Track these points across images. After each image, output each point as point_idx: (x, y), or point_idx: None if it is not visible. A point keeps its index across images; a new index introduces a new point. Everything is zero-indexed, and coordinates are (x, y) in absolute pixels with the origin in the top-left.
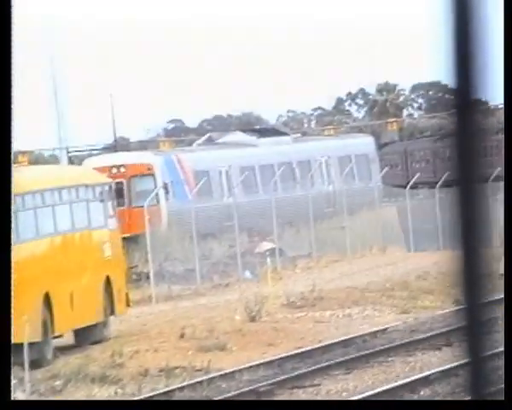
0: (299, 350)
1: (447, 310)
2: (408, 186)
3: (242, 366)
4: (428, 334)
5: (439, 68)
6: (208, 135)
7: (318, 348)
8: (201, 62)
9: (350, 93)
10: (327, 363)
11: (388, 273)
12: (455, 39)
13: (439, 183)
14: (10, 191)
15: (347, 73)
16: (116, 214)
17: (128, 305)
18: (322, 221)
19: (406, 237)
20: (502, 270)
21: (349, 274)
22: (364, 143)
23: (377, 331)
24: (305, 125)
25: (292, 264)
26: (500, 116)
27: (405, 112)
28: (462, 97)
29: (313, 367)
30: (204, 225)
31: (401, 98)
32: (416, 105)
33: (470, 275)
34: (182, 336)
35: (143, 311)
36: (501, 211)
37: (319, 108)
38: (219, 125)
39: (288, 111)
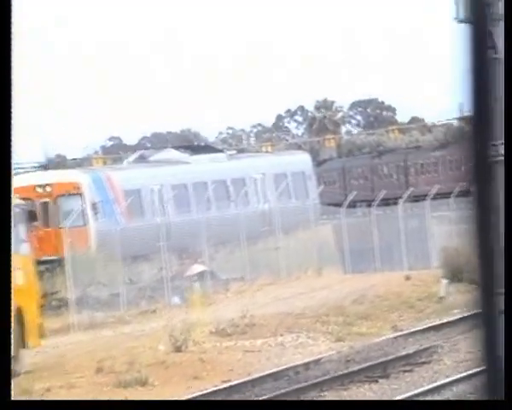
0: (227, 384)
1: (384, 337)
2: (344, 204)
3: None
4: (364, 365)
5: (376, 86)
6: (140, 152)
7: (247, 381)
8: (141, 80)
9: (289, 110)
10: (255, 399)
11: (323, 297)
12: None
13: (376, 201)
14: (10, 192)
15: (287, 90)
16: (29, 238)
17: (42, 337)
18: (257, 241)
19: (343, 257)
20: (442, 293)
21: (283, 298)
22: (301, 160)
23: (310, 362)
24: (245, 142)
25: (224, 288)
26: (437, 133)
27: (344, 129)
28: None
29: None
30: (134, 247)
31: (339, 115)
32: (354, 122)
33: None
34: (99, 370)
35: (62, 341)
36: (438, 228)
37: (259, 124)
38: (158, 143)
39: (228, 128)
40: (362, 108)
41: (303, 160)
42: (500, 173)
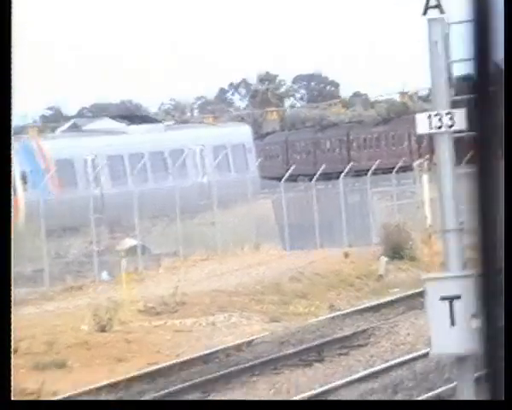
0: (152, 368)
1: (321, 318)
2: (283, 178)
3: (78, 390)
4: (299, 347)
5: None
6: (72, 121)
7: (174, 364)
8: (84, 50)
9: (232, 83)
10: (180, 385)
11: (260, 274)
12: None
13: (316, 175)
14: (10, 192)
15: (231, 63)
16: None
17: None
18: (194, 215)
19: (282, 233)
20: (381, 271)
21: (217, 275)
22: (241, 132)
23: (242, 344)
24: (188, 114)
25: (156, 263)
26: (380, 109)
27: (288, 102)
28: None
29: (163, 391)
30: (65, 219)
31: (282, 89)
32: (298, 96)
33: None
34: (15, 350)
35: None
36: (379, 204)
37: (202, 97)
38: (98, 113)
39: (171, 99)
40: (305, 82)
41: (243, 132)
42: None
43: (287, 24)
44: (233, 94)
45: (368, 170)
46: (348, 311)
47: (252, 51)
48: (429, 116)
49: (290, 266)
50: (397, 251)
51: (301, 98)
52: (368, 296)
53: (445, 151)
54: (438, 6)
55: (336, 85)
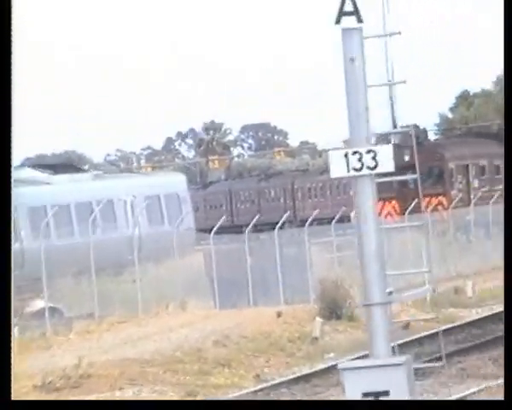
0: None
1: (242, 391)
2: (212, 231)
3: None
4: None
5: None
6: None
7: None
8: (25, 100)
9: (180, 133)
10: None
11: (181, 338)
12: None
13: (249, 226)
14: (10, 192)
15: (179, 113)
16: None
17: None
18: (122, 271)
19: (213, 290)
20: (316, 332)
21: (133, 340)
22: (175, 182)
23: None
24: (135, 164)
25: (67, 327)
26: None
27: (235, 152)
28: None
29: None
30: None
31: (229, 137)
32: (246, 145)
33: None
34: None
35: None
36: (319, 256)
37: (148, 147)
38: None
39: (117, 150)
40: (253, 132)
41: (177, 181)
42: None
43: (234, 71)
44: (180, 144)
45: (313, 220)
46: (274, 382)
47: (199, 101)
48: (346, 155)
49: (216, 328)
50: (334, 310)
51: (249, 147)
52: (300, 363)
53: (365, 200)
54: (355, 12)
55: (284, 135)
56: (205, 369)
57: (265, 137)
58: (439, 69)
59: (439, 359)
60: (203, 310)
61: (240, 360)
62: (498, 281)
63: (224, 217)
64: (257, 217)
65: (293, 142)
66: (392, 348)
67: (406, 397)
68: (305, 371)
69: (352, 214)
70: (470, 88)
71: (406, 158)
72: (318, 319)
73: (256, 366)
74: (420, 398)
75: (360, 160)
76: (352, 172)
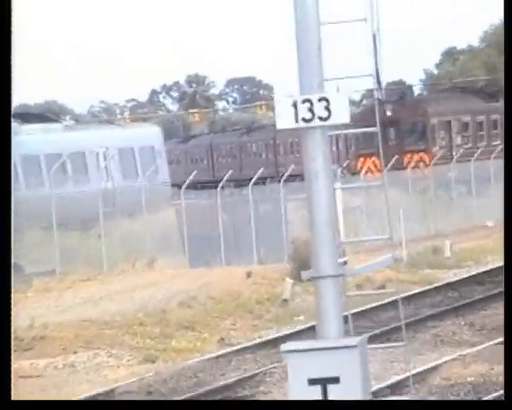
0: None
1: (207, 356)
2: (183, 186)
3: None
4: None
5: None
6: None
7: None
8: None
9: (165, 85)
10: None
11: (145, 298)
12: None
13: (221, 183)
14: (10, 191)
15: (164, 65)
16: None
17: None
18: (94, 225)
19: (185, 247)
20: (286, 294)
21: (95, 300)
22: (150, 134)
23: (100, 395)
24: (119, 116)
25: (27, 284)
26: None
27: (220, 105)
28: None
29: None
30: None
31: (212, 91)
32: (230, 99)
33: None
34: None
35: None
36: (296, 213)
37: (133, 99)
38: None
39: (100, 102)
40: (238, 86)
41: (152, 133)
42: None
43: (221, 27)
44: (164, 97)
45: (296, 175)
46: (238, 347)
47: (186, 53)
48: (294, 103)
49: (183, 288)
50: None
51: (234, 102)
52: (267, 326)
53: (316, 156)
54: None
55: (270, 89)
56: (167, 332)
57: (251, 91)
58: (426, 26)
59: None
60: (172, 269)
61: (205, 323)
62: (479, 240)
63: (194, 172)
64: (229, 173)
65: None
66: (345, 318)
67: (358, 384)
68: (273, 334)
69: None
70: (456, 44)
71: (388, 113)
72: (288, 280)
73: (221, 329)
74: (387, 369)
75: (311, 109)
76: (302, 124)
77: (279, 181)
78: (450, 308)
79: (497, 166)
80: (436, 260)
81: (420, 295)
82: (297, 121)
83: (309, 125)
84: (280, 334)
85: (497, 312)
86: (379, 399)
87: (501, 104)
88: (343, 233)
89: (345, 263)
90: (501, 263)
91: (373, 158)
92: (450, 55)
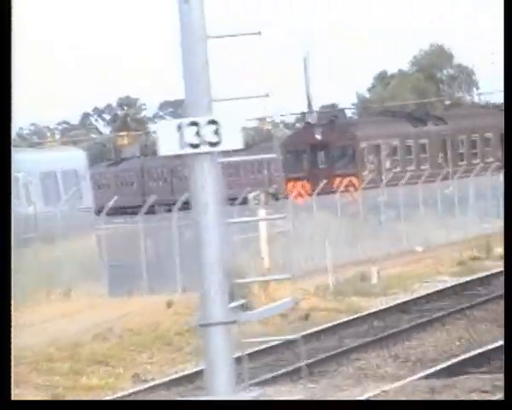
0: None
1: (118, 394)
2: (102, 213)
3: None
4: None
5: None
6: None
7: None
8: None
9: (97, 108)
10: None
11: (58, 331)
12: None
13: (143, 208)
14: (10, 190)
15: (96, 88)
16: None
17: None
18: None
19: (106, 275)
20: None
21: None
22: (73, 158)
23: None
24: (49, 139)
25: None
26: (247, 136)
27: (153, 128)
28: None
29: None
30: None
31: (144, 113)
32: None
33: None
34: None
35: None
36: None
37: (64, 122)
38: None
39: (31, 124)
40: (172, 108)
41: (76, 157)
42: None
43: (154, 48)
44: (96, 120)
45: (229, 199)
46: (152, 384)
47: (119, 76)
48: (179, 126)
49: (100, 319)
50: (230, 298)
51: None
52: (186, 359)
53: (205, 187)
54: None
55: None
56: (77, 368)
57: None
58: (359, 50)
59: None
60: (90, 299)
61: (120, 357)
62: (407, 266)
63: (115, 198)
64: (152, 198)
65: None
66: (238, 359)
67: None
68: (191, 369)
69: (250, 196)
70: (388, 68)
71: (318, 136)
72: None
73: (137, 364)
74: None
75: (198, 133)
76: (188, 149)
77: None
78: (375, 339)
79: (425, 190)
80: (363, 287)
81: (344, 324)
82: (182, 147)
83: (196, 151)
84: (197, 369)
85: (421, 343)
86: (379, 399)
87: (429, 128)
88: (267, 260)
89: (242, 307)
90: (427, 290)
91: (303, 182)
92: (381, 79)
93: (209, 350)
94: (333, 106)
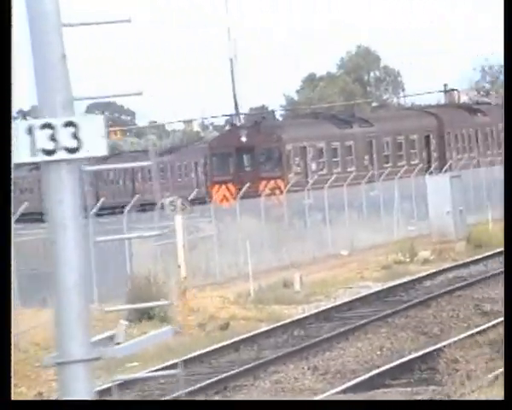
0: None
1: None
2: (15, 216)
3: None
4: None
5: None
6: None
7: None
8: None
9: (21, 111)
10: None
11: None
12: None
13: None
14: (10, 191)
15: (24, 90)
16: None
17: None
18: None
19: (18, 285)
20: (120, 338)
21: None
22: None
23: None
24: None
25: None
26: (175, 138)
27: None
28: None
29: None
30: None
31: None
32: None
33: None
34: None
35: None
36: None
37: None
38: None
39: None
40: (99, 111)
41: None
42: None
43: (80, 49)
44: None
45: (154, 204)
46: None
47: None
48: (30, 129)
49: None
50: (145, 310)
51: None
52: (95, 375)
53: (62, 199)
54: None
55: (132, 114)
56: None
57: (112, 116)
58: (288, 52)
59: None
60: None
61: (24, 374)
62: (332, 270)
63: (25, 204)
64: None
65: (141, 121)
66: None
67: None
68: (101, 385)
69: (166, 201)
70: (316, 71)
71: (243, 139)
72: (122, 322)
73: (42, 382)
74: None
75: (53, 137)
76: (41, 156)
77: (137, 210)
78: (295, 350)
79: (351, 193)
80: (285, 294)
81: (264, 334)
82: (34, 154)
83: (50, 158)
84: (105, 386)
85: (342, 353)
86: (379, 399)
87: (355, 130)
88: (184, 268)
89: (111, 339)
90: (351, 296)
91: (229, 185)
92: (310, 81)
93: (67, 392)
94: (263, 108)
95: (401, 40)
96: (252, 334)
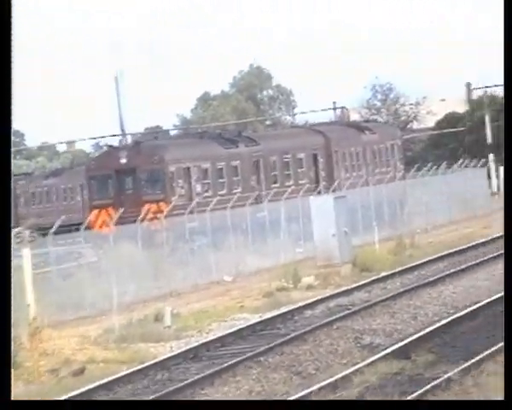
0: None
1: None
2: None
3: None
4: None
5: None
6: None
7: None
8: None
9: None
10: None
11: None
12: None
13: None
14: (10, 191)
15: None
16: None
17: None
18: None
19: None
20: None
21: None
22: None
23: None
24: None
25: None
26: (64, 160)
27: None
28: None
29: None
30: None
31: None
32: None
33: None
34: None
35: None
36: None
37: None
38: None
39: None
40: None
41: None
42: None
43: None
44: None
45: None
46: None
47: None
48: None
49: None
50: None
51: None
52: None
53: None
54: None
55: (21, 136)
56: None
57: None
58: (183, 71)
59: None
60: None
61: None
62: (213, 299)
63: None
64: None
65: (31, 143)
66: None
67: None
68: None
69: (13, 232)
70: (211, 90)
71: (123, 160)
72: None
73: None
74: None
75: None
76: None
77: (17, 235)
78: (155, 399)
79: (237, 215)
80: (154, 330)
81: (124, 379)
82: None
83: None
84: None
85: (207, 398)
86: (378, 399)
87: (241, 150)
88: (34, 307)
89: None
90: (225, 330)
91: (109, 209)
92: (204, 100)
93: None
94: (157, 127)
95: (397, 41)
96: (106, 380)
